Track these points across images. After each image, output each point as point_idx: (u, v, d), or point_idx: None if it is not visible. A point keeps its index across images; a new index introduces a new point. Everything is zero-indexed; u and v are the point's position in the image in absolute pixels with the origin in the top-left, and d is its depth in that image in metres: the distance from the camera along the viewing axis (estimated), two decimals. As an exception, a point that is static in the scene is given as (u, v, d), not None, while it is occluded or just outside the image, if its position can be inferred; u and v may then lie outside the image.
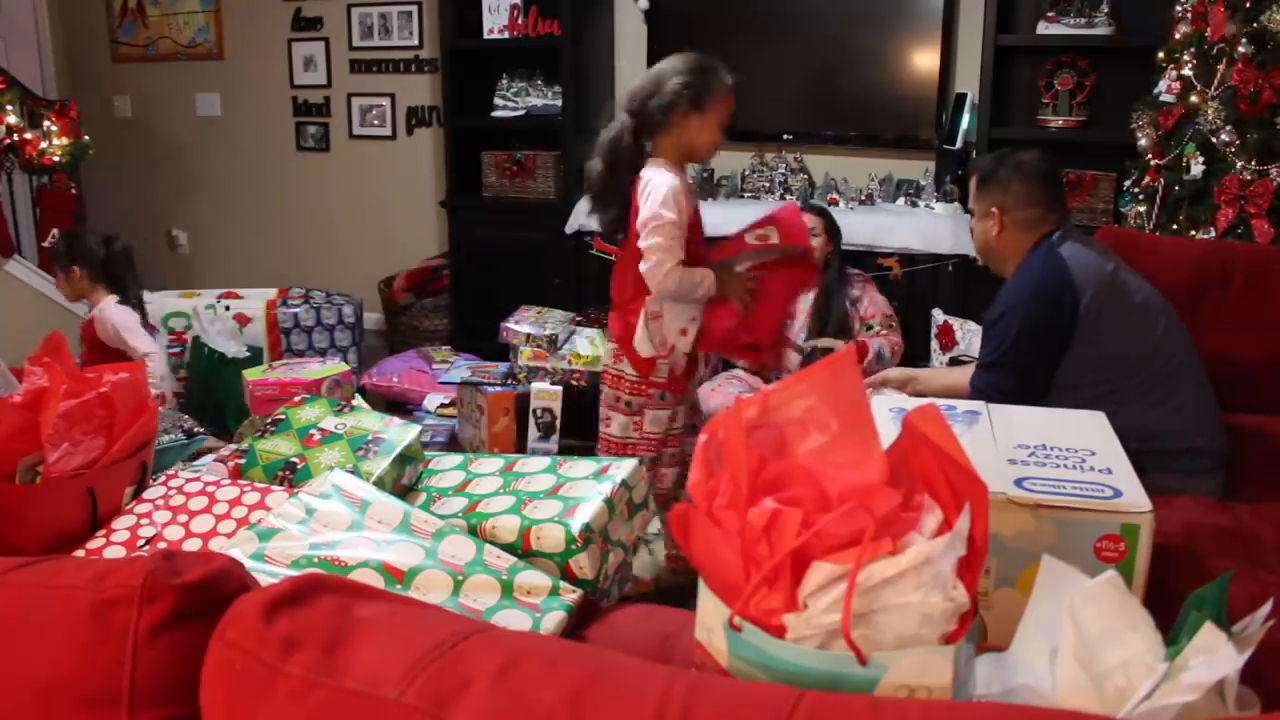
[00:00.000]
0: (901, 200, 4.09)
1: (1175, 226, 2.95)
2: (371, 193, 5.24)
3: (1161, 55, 3.11)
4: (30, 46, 5.29)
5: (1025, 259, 2.19)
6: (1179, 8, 3.09)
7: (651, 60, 4.43)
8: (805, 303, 3.62)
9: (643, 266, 2.31)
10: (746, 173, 4.37)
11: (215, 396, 3.45)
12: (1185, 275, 2.45)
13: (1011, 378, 2.12)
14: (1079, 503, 1.21)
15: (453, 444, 3.48)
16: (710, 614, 0.85)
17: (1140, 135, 3.12)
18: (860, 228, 3.78)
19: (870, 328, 3.52)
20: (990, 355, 2.18)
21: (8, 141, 4.23)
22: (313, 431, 1.73)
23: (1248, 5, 2.80)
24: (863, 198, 4.14)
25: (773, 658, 0.79)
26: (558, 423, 3.36)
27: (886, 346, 3.41)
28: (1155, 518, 1.20)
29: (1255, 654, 0.83)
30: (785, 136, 4.27)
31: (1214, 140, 2.85)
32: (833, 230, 3.55)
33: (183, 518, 1.51)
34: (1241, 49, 2.79)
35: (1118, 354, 2.08)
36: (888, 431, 0.85)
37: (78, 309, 4.42)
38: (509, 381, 3.48)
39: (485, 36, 4.44)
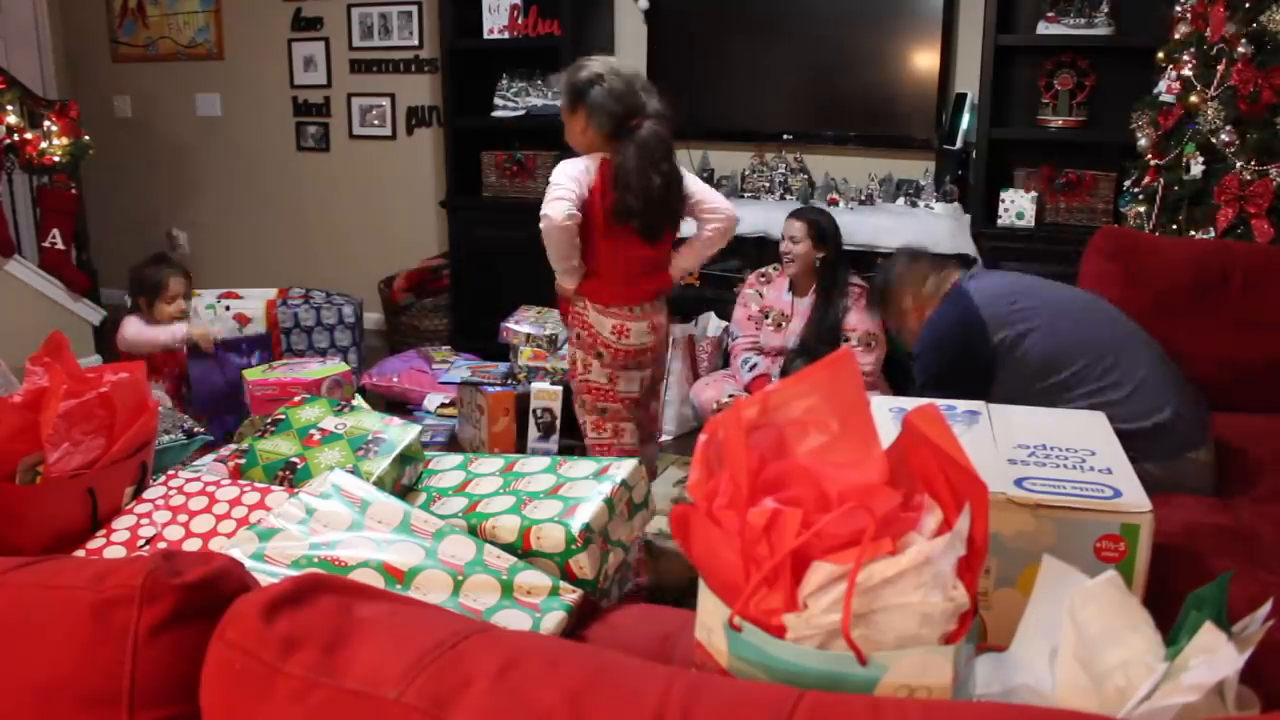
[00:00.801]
0: (901, 200, 4.09)
1: (1175, 226, 2.95)
2: (371, 193, 5.24)
3: (1161, 55, 3.10)
4: (30, 46, 5.29)
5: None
6: (1179, 8, 3.09)
7: (652, 60, 4.45)
8: (802, 306, 3.62)
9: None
10: (746, 173, 4.36)
11: (215, 396, 3.45)
12: (1185, 275, 2.45)
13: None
14: (1079, 503, 1.21)
15: (453, 444, 3.48)
16: (710, 614, 0.85)
17: (1140, 135, 3.12)
18: (860, 228, 3.79)
19: (846, 339, 3.52)
20: (920, 384, 2.28)
21: (8, 141, 4.23)
22: (313, 431, 1.73)
23: (1248, 5, 2.80)
24: (863, 198, 4.14)
25: (773, 658, 0.79)
26: (558, 423, 3.36)
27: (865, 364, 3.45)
28: (1155, 517, 1.20)
29: (1255, 654, 0.83)
30: (785, 136, 4.27)
31: (1214, 140, 2.85)
32: (822, 235, 3.54)
33: (183, 518, 1.51)
34: (1241, 49, 2.79)
35: (1042, 363, 2.11)
36: (888, 431, 0.85)
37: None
38: (509, 381, 3.48)
39: (485, 36, 4.44)
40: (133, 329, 3.27)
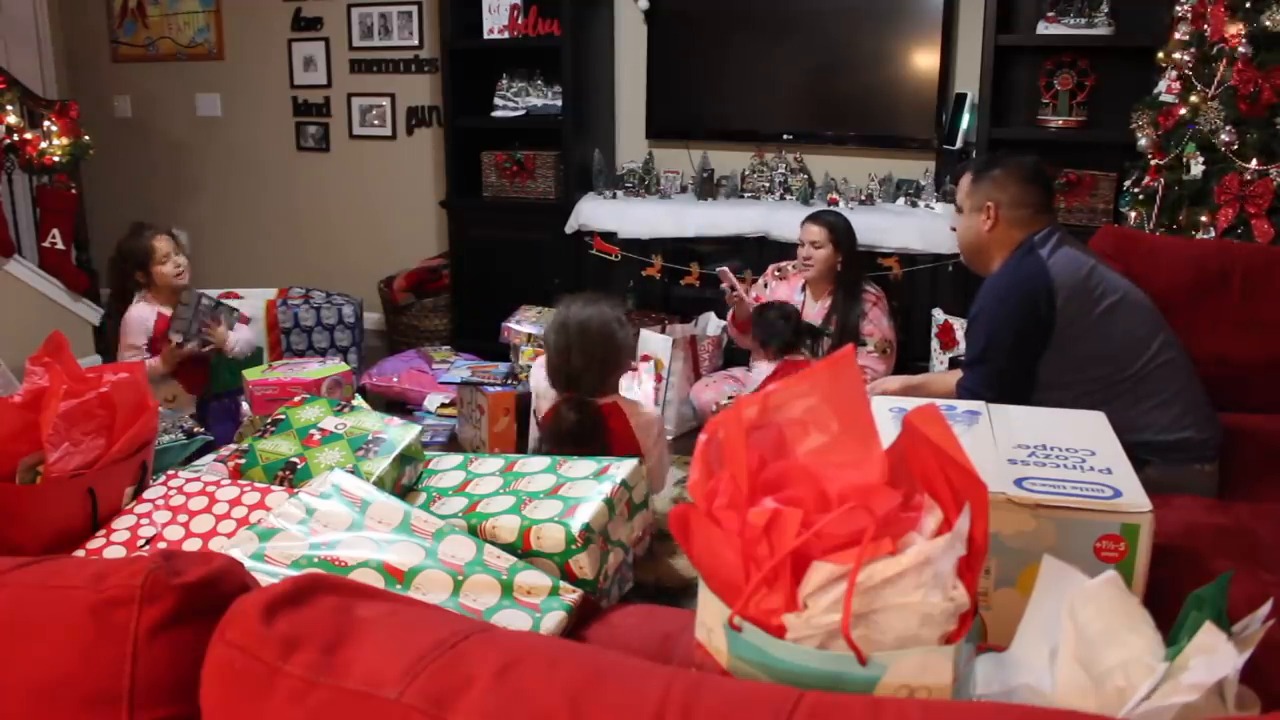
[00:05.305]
0: (901, 200, 4.09)
1: (1175, 226, 2.95)
2: (371, 193, 5.23)
3: (1161, 55, 3.10)
4: (30, 46, 5.28)
5: (1007, 258, 2.22)
6: (1179, 8, 3.09)
7: (652, 60, 4.45)
8: (814, 310, 3.61)
9: None
10: (746, 173, 4.36)
11: (216, 396, 3.44)
12: (1185, 275, 2.45)
13: (995, 374, 2.15)
14: (1079, 503, 1.21)
15: (453, 444, 3.47)
16: (710, 614, 0.85)
17: (1140, 135, 3.12)
18: (860, 228, 3.78)
19: (864, 344, 3.51)
20: (973, 352, 2.22)
21: (8, 141, 4.22)
22: (313, 431, 1.73)
23: (1248, 5, 2.80)
24: (863, 198, 4.13)
25: (773, 658, 0.79)
26: (558, 423, 3.35)
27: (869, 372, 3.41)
28: (1155, 518, 1.20)
29: (1255, 654, 0.83)
30: (785, 136, 4.27)
31: (1214, 140, 2.85)
32: (841, 241, 3.52)
33: (183, 518, 1.51)
34: (1241, 49, 2.79)
35: (1099, 351, 2.10)
36: (888, 431, 0.85)
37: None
38: (509, 381, 3.48)
39: (485, 36, 4.44)
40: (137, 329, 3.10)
